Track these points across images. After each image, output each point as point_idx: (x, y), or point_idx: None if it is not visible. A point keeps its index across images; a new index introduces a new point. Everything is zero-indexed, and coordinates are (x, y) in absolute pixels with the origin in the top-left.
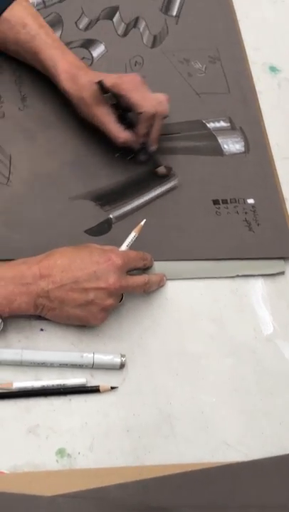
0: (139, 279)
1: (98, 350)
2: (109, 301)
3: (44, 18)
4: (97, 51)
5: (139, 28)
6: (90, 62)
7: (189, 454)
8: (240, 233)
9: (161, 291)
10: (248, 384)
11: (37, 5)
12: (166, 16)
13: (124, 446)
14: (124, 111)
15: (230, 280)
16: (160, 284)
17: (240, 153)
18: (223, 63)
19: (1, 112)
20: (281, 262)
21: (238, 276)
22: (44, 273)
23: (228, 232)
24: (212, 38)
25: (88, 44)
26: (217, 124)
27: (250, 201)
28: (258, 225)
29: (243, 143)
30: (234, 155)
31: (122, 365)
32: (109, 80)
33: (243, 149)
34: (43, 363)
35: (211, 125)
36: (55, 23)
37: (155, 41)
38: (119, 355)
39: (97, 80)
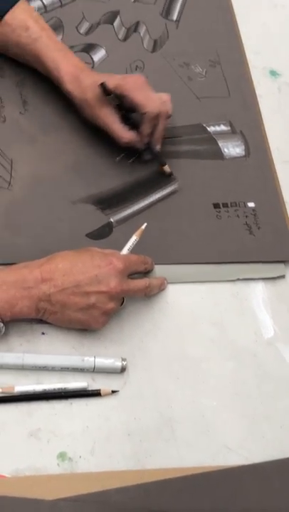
0: (140, 283)
1: (99, 353)
2: (111, 305)
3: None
4: (98, 55)
5: (139, 33)
6: (91, 67)
7: (190, 458)
8: (241, 237)
9: (162, 295)
10: (248, 388)
11: (38, 9)
12: (167, 21)
13: (125, 450)
14: (128, 111)
15: (230, 284)
16: (161, 288)
17: (241, 156)
18: (223, 67)
19: (2, 115)
20: (281, 266)
21: (238, 279)
22: (46, 277)
23: (229, 235)
24: (212, 42)
25: (89, 48)
26: (217, 128)
27: (251, 205)
28: (259, 228)
29: (243, 146)
30: (234, 159)
31: (123, 369)
32: (113, 81)
33: (243, 153)
34: (45, 367)
35: (211, 129)
36: (56, 28)
37: (155, 45)
38: (120, 359)
39: (100, 82)
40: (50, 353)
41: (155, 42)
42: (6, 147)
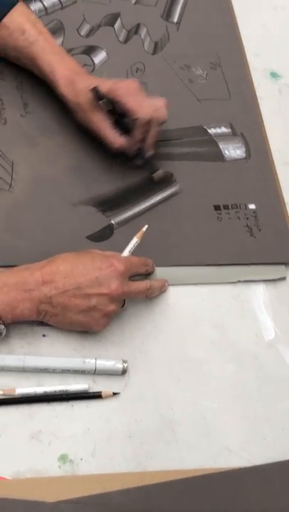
0: (141, 285)
1: (100, 356)
2: (112, 307)
3: (46, 25)
4: (99, 58)
5: (140, 35)
6: (92, 69)
7: (191, 460)
8: (242, 239)
9: (163, 297)
10: (249, 390)
11: (39, 12)
12: (167, 23)
13: (126, 452)
14: (121, 116)
15: (231, 286)
16: (162, 290)
17: (241, 158)
18: (224, 69)
19: (3, 118)
20: (282, 268)
21: (239, 281)
22: (47, 279)
23: (230, 237)
24: (213, 45)
25: (90, 51)
26: (218, 130)
27: (252, 207)
28: (260, 230)
29: (244, 148)
30: (235, 160)
31: (124, 371)
32: (106, 85)
33: (244, 155)
34: (46, 369)
35: (212, 131)
36: (56, 30)
37: (156, 48)
38: (121, 361)
39: (93, 86)
40: (51, 355)
41: (156, 44)
42: (7, 149)
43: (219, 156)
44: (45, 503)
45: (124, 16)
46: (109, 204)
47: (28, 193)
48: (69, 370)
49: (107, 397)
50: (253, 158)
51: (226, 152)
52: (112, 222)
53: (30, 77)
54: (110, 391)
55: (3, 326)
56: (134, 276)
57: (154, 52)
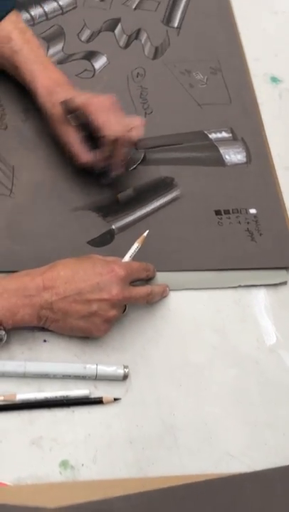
0: (142, 290)
1: (101, 361)
2: (113, 313)
3: (46, 30)
4: (99, 63)
5: (140, 40)
6: (92, 74)
7: (193, 466)
8: (243, 243)
9: (164, 302)
10: (251, 395)
11: (39, 17)
12: (168, 28)
13: (127, 457)
14: (92, 132)
15: (232, 290)
16: (163, 295)
17: (242, 163)
18: (224, 74)
19: (4, 123)
20: (283, 272)
21: (240, 286)
22: (47, 285)
23: (231, 242)
24: (213, 49)
25: (90, 56)
26: (219, 135)
27: (252, 211)
28: (260, 235)
29: (244, 153)
30: (236, 165)
31: (125, 377)
32: (79, 99)
33: (244, 160)
34: (46, 375)
35: (212, 136)
36: (57, 35)
37: (157, 53)
38: (122, 367)
39: (68, 98)
40: (52, 361)
41: (156, 49)
42: (8, 154)
43: (220, 161)
44: (46, 509)
45: (125, 21)
46: (109, 209)
47: (29, 198)
48: (70, 376)
49: (108, 402)
50: (254, 162)
51: (227, 157)
52: (113, 227)
53: None
54: (111, 397)
55: (3, 332)
56: (135, 282)
57: (155, 57)
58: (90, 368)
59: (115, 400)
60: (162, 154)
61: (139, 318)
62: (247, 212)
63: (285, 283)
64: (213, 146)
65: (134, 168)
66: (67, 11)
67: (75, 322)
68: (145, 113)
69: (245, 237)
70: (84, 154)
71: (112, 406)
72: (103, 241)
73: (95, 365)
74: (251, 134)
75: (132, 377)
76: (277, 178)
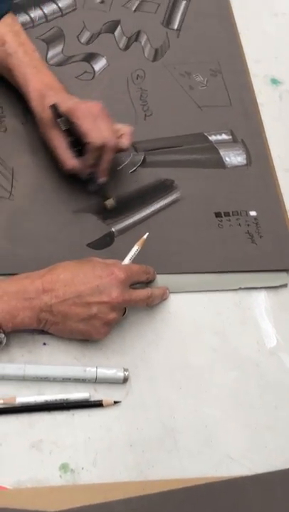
0: (142, 293)
1: (101, 364)
2: (112, 315)
3: (45, 32)
4: (99, 65)
5: (140, 42)
6: (92, 76)
7: (193, 469)
8: (243, 246)
9: (164, 305)
10: (251, 397)
11: (38, 19)
12: (168, 30)
13: (127, 460)
14: (79, 138)
15: (233, 293)
16: (163, 298)
17: (242, 165)
18: (224, 76)
19: (4, 126)
20: (284, 275)
21: (240, 288)
22: (47, 287)
23: (231, 244)
24: (213, 51)
25: (90, 58)
26: (219, 137)
27: (253, 213)
28: (261, 237)
29: (244, 155)
30: (236, 167)
31: (125, 379)
32: (67, 104)
33: (244, 162)
34: (46, 378)
35: (212, 138)
36: (56, 37)
37: (156, 55)
38: (122, 370)
39: (57, 102)
40: (52, 364)
41: (156, 51)
42: (8, 157)
43: (220, 163)
44: None
45: (125, 23)
46: (109, 211)
47: (29, 201)
48: (70, 379)
49: (108, 405)
50: (254, 164)
51: (227, 159)
52: (113, 229)
53: None
54: (111, 399)
55: (3, 335)
56: (135, 284)
57: (155, 59)
58: (90, 371)
59: (115, 402)
60: (162, 156)
61: (139, 320)
62: (247, 214)
63: (285, 285)
64: (213, 148)
65: (134, 171)
66: (66, 13)
67: (74, 325)
68: (145, 115)
69: (245, 239)
70: (69, 160)
71: (112, 409)
72: (103, 243)
73: (95, 368)
74: (251, 136)
75: (132, 380)
76: (277, 180)
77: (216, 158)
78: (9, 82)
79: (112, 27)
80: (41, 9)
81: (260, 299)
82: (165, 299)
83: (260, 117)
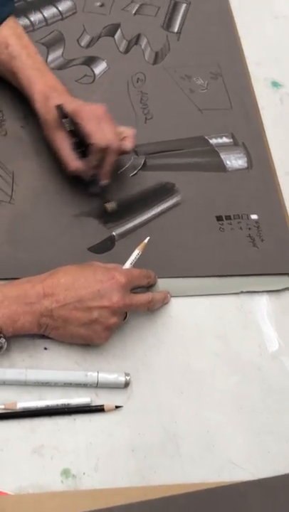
0: (143, 297)
1: (102, 369)
2: (113, 320)
3: (46, 35)
4: (99, 68)
5: (140, 45)
6: (92, 80)
7: (195, 474)
8: (244, 249)
9: (166, 309)
10: (253, 402)
11: (39, 23)
12: (168, 33)
13: (129, 466)
14: (82, 139)
15: (234, 297)
16: (164, 302)
17: (243, 168)
18: (225, 79)
19: (4, 129)
20: (286, 278)
21: (242, 292)
22: (48, 292)
23: (232, 248)
24: (214, 54)
25: (90, 61)
26: (219, 140)
27: (254, 217)
28: (262, 240)
29: (245, 158)
30: (237, 171)
31: (126, 384)
32: (71, 106)
33: (245, 165)
34: (47, 383)
35: (213, 141)
36: (56, 41)
37: (157, 58)
38: (124, 374)
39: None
40: (53, 369)
41: (156, 54)
42: (8, 161)
43: (221, 167)
44: None
45: (125, 26)
46: (110, 215)
47: (29, 205)
48: (71, 384)
49: (110, 410)
50: (255, 168)
51: (228, 162)
52: (114, 233)
53: None
54: (113, 404)
55: (4, 340)
56: (136, 289)
57: (155, 62)
58: (91, 376)
59: (117, 407)
60: (163, 160)
61: (140, 325)
62: (248, 217)
63: (287, 289)
64: (214, 152)
65: (135, 174)
66: (66, 17)
67: (75, 329)
68: (145, 118)
69: (246, 242)
70: (72, 161)
71: (113, 414)
72: (104, 247)
73: (96, 373)
74: (252, 139)
75: (134, 384)
76: (278, 184)
77: (217, 162)
78: (10, 85)
79: (112, 30)
80: (41, 13)
81: (262, 303)
82: (166, 303)
83: (261, 120)
